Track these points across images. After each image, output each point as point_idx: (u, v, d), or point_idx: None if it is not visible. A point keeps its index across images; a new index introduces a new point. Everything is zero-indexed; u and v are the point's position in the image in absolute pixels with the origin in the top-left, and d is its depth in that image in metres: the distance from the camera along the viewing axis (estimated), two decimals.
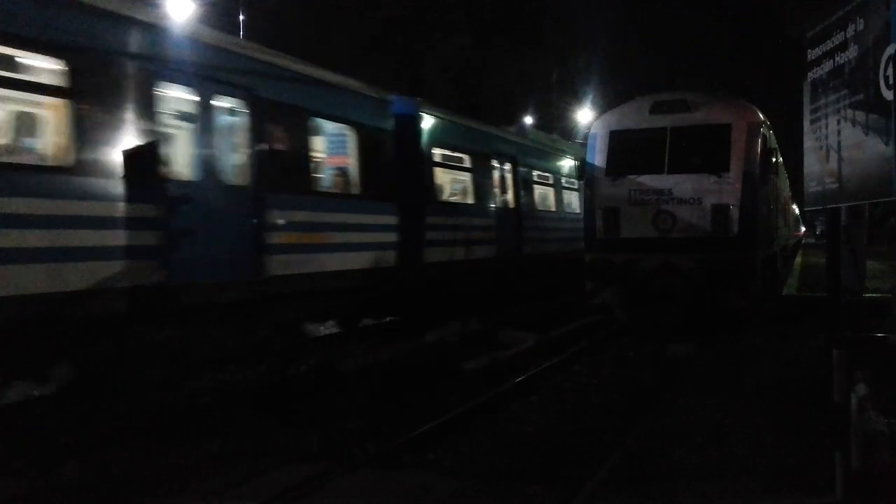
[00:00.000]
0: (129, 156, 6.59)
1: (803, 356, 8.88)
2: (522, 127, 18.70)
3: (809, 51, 5.38)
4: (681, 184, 10.85)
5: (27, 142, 6.93)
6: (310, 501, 5.03)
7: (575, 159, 19.40)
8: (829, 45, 5.03)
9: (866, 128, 4.41)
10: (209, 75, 7.60)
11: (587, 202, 11.82)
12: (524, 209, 15.26)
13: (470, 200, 13.29)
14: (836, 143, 4.94)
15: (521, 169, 15.40)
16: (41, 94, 6.38)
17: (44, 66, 6.38)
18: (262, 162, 8.16)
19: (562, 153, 19.22)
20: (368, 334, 11.39)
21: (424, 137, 11.78)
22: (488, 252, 13.48)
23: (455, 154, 13.15)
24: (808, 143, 5.50)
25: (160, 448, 5.90)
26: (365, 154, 10.10)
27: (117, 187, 6.52)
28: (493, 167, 14.19)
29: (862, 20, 4.51)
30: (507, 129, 17.50)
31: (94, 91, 6.40)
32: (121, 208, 6.56)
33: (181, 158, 7.68)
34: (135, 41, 6.83)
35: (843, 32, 4.79)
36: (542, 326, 11.87)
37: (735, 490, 4.81)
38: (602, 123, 12.13)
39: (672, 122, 11.17)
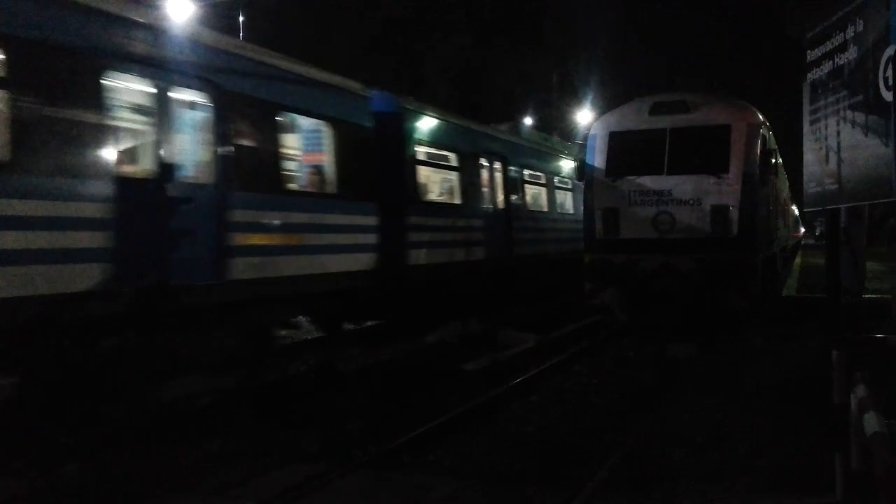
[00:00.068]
0: (71, 151, 6.16)
1: (803, 357, 8.89)
2: (514, 125, 18.13)
3: (809, 52, 5.39)
4: (680, 185, 10.86)
5: None
6: (310, 501, 5.03)
7: (569, 159, 19.11)
8: (828, 46, 5.03)
9: (866, 129, 4.41)
10: (167, 66, 7.11)
11: (587, 203, 11.82)
12: (515, 210, 14.88)
13: (457, 200, 12.86)
14: (835, 144, 4.94)
15: (512, 168, 15.01)
16: None
17: None
18: (226, 159, 7.71)
19: (555, 152, 18.88)
20: (349, 339, 11.01)
21: (407, 135, 11.40)
22: (476, 254, 13.08)
23: (440, 152, 12.75)
24: (808, 143, 5.51)
25: (160, 448, 5.91)
26: (342, 151, 9.58)
27: (59, 185, 6.03)
28: (482, 166, 13.77)
29: (862, 21, 4.51)
30: (497, 127, 17.05)
31: (33, 81, 5.91)
32: (63, 208, 6.06)
33: (134, 154, 7.28)
34: (81, 28, 6.32)
35: (842, 33, 4.80)
36: (542, 327, 11.88)
37: (735, 490, 4.82)
38: (602, 124, 12.13)
39: (672, 122, 11.17)
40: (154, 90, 7.07)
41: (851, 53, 4.67)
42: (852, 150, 4.64)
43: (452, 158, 12.89)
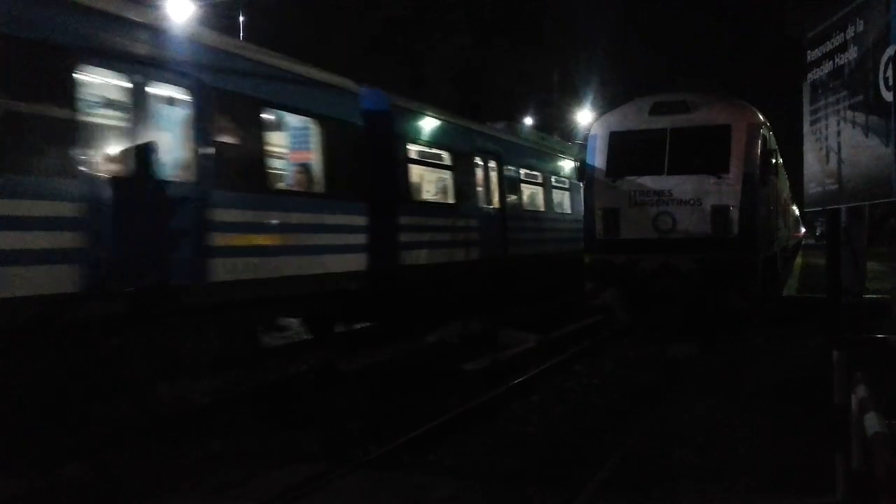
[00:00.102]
0: (39, 149, 5.91)
1: (803, 357, 8.89)
2: (510, 124, 17.65)
3: (809, 52, 5.39)
4: (681, 185, 10.86)
5: None
6: (310, 501, 5.03)
7: (567, 158, 18.92)
8: (828, 46, 5.04)
9: (866, 129, 4.42)
10: (144, 59, 6.83)
11: (587, 203, 11.81)
12: (511, 209, 14.68)
13: (450, 200, 12.64)
14: (835, 145, 4.95)
15: (508, 167, 14.77)
16: None
17: None
18: (208, 156, 7.47)
19: (553, 151, 18.61)
20: (339, 341, 10.72)
21: (399, 132, 11.18)
22: (471, 254, 12.86)
23: (434, 151, 12.49)
24: (808, 144, 5.51)
25: (160, 448, 5.90)
26: (330, 149, 9.32)
27: (27, 184, 5.78)
28: (477, 165, 13.52)
29: (862, 21, 4.51)
30: (493, 125, 16.72)
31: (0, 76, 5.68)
32: (33, 207, 5.81)
33: (107, 152, 6.95)
34: (52, 20, 6.06)
35: (842, 34, 4.80)
36: (542, 327, 11.87)
37: (735, 490, 4.81)
38: (602, 124, 12.13)
39: (672, 123, 11.17)
40: (130, 85, 6.80)
41: (852, 53, 4.67)
42: (853, 150, 4.64)
43: (446, 157, 12.69)
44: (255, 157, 8.23)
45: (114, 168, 6.76)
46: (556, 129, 33.27)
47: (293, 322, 11.13)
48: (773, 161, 12.33)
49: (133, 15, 6.90)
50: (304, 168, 9.30)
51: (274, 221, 8.35)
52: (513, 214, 14.79)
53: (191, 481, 5.38)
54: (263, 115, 8.43)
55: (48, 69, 6.03)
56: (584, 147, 14.01)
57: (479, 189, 13.59)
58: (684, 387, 7.90)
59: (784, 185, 17.48)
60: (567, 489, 5.07)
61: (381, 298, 10.59)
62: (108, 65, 6.62)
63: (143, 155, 6.84)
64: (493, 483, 5.46)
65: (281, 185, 8.91)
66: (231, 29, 22.29)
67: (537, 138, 19.36)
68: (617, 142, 11.54)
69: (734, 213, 10.64)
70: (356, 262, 9.72)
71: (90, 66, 6.47)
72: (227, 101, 7.79)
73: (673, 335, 10.57)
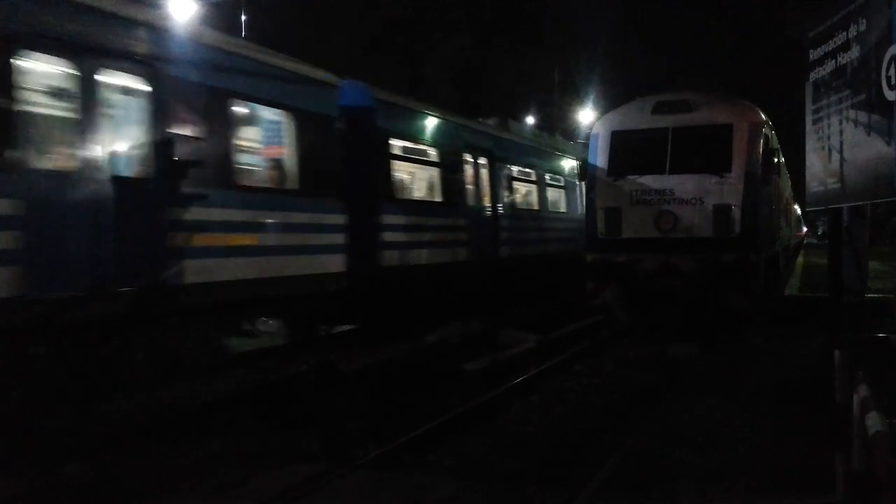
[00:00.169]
0: None
1: (804, 357, 8.88)
2: (503, 120, 17.27)
3: (811, 51, 5.37)
4: (683, 184, 10.85)
5: None
6: (310, 501, 5.02)
7: (564, 156, 18.59)
8: (831, 45, 5.02)
9: (868, 128, 4.40)
10: (94, 46, 6.40)
11: (588, 202, 11.80)
12: (502, 208, 14.25)
13: (437, 198, 12.21)
14: (838, 144, 4.93)
15: (500, 164, 14.32)
16: None
17: None
18: (167, 151, 7.06)
19: (548, 148, 18.23)
20: (319, 345, 10.18)
21: (381, 128, 10.67)
22: (458, 255, 12.44)
23: (419, 147, 12.04)
24: (810, 143, 5.50)
25: (160, 448, 5.90)
26: (306, 145, 8.87)
27: None
28: (466, 162, 13.06)
29: (864, 20, 4.50)
30: (484, 121, 16.25)
31: None
32: None
33: (49, 145, 6.50)
34: None
35: (845, 33, 4.79)
36: (542, 327, 11.86)
37: (735, 490, 4.80)
38: (604, 124, 12.12)
39: (674, 122, 11.16)
40: (78, 73, 6.38)
41: (854, 52, 4.65)
42: (855, 150, 4.63)
43: (432, 154, 12.30)
44: (222, 151, 7.80)
45: (58, 162, 6.39)
46: (558, 129, 33.26)
47: (272, 326, 10.39)
48: (775, 160, 12.32)
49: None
50: (277, 164, 8.89)
51: (240, 220, 7.92)
52: (505, 214, 14.40)
53: (191, 481, 5.37)
54: (231, 108, 8.02)
55: None
56: (585, 146, 13.95)
57: (469, 187, 13.18)
58: (684, 387, 7.89)
59: (786, 184, 17.46)
60: (567, 489, 5.06)
61: (362, 301, 10.24)
62: (51, 51, 6.20)
63: (90, 149, 6.43)
64: (493, 483, 5.45)
65: (251, 182, 8.46)
66: (232, 28, 22.28)
67: (531, 134, 18.88)
68: (619, 141, 11.52)
69: (736, 213, 10.63)
70: (335, 264, 9.35)
71: (31, 52, 6.09)
72: (190, 92, 7.40)
73: (673, 335, 10.55)
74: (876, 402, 3.47)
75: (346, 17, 35.29)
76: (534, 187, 16.45)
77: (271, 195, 8.63)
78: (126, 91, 7.08)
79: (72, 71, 6.38)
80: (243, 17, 24.41)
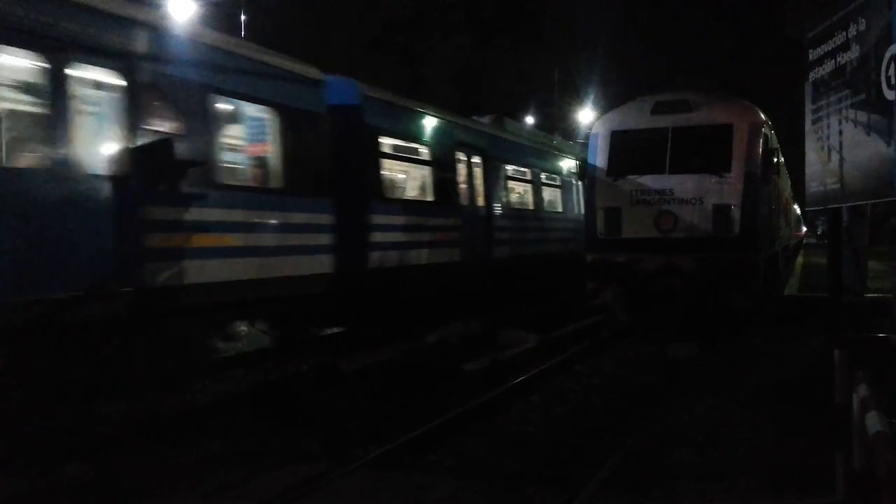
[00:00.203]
0: None
1: (804, 356, 8.88)
2: (497, 118, 17.04)
3: (811, 51, 5.38)
4: (682, 184, 10.85)
5: None
6: (310, 501, 5.02)
7: (560, 154, 18.43)
8: (830, 45, 5.02)
9: (868, 128, 4.41)
10: (63, 38, 6.16)
11: (588, 202, 11.80)
12: (496, 208, 13.99)
13: (428, 197, 11.97)
14: (837, 144, 4.94)
15: (494, 163, 14.06)
16: None
17: None
18: (143, 148, 6.80)
19: (545, 147, 18.03)
20: (304, 349, 9.90)
21: (371, 125, 10.42)
22: (451, 256, 12.21)
23: (410, 145, 11.80)
24: (810, 143, 5.50)
25: (160, 448, 5.90)
26: (291, 142, 8.65)
27: None
28: (459, 160, 12.81)
29: (864, 20, 4.50)
30: (478, 119, 16.00)
31: None
32: None
33: (14, 142, 6.29)
34: None
35: (844, 33, 4.79)
36: (542, 327, 11.85)
37: (735, 490, 4.80)
38: (603, 123, 12.12)
39: (674, 122, 11.16)
40: (47, 66, 6.14)
41: (853, 52, 4.66)
42: (854, 149, 4.64)
43: (424, 152, 12.08)
44: (201, 149, 7.56)
45: (23, 160, 6.25)
46: (558, 129, 33.28)
47: (257, 329, 9.99)
48: (775, 160, 12.33)
49: None
50: (260, 162, 8.67)
51: (220, 219, 7.69)
52: (500, 213, 14.23)
53: (191, 481, 5.37)
54: (212, 104, 7.82)
55: None
56: (585, 146, 13.92)
57: (462, 186, 12.96)
58: (684, 387, 7.89)
59: (785, 184, 17.46)
60: (567, 489, 5.06)
61: (351, 303, 10.03)
62: (17, 43, 5.97)
63: (58, 145, 6.18)
64: (493, 483, 5.45)
65: (231, 181, 8.21)
66: (232, 28, 22.29)
67: (527, 133, 18.68)
68: (618, 141, 11.52)
69: (736, 213, 10.63)
70: (321, 264, 9.12)
71: None
72: (168, 88, 7.19)
73: (673, 335, 10.55)
74: (876, 401, 3.47)
75: (346, 17, 35.34)
76: (530, 187, 16.28)
77: (255, 194, 8.42)
78: (98, 86, 6.85)
79: (40, 64, 6.16)
80: (243, 17, 24.44)
